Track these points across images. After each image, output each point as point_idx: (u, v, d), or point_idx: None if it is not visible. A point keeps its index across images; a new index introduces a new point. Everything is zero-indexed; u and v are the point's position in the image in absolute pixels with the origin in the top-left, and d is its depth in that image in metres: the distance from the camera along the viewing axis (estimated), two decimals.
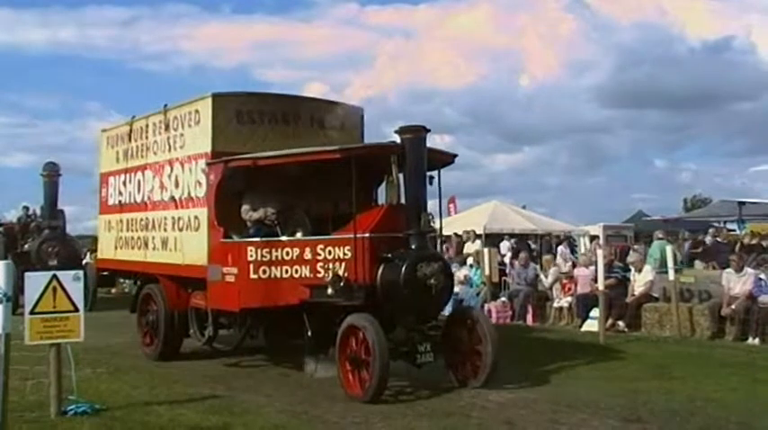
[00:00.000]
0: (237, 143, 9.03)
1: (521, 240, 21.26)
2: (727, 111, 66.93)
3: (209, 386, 8.06)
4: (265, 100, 9.68)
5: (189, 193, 9.50)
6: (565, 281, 14.06)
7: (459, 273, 14.44)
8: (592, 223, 25.03)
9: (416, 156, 7.68)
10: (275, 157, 8.34)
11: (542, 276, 14.62)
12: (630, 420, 6.51)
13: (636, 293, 12.52)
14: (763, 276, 11.30)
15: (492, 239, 20.71)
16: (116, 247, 11.42)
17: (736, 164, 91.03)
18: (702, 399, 7.28)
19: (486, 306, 13.83)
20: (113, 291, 20.09)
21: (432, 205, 8.40)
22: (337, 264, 7.82)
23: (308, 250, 8.04)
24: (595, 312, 12.14)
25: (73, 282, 6.66)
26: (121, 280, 17.41)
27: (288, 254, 8.11)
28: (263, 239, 8.30)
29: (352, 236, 7.75)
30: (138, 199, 10.85)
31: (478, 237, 18.68)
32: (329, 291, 7.62)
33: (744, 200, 23.83)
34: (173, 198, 9.85)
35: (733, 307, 11.18)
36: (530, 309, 14.06)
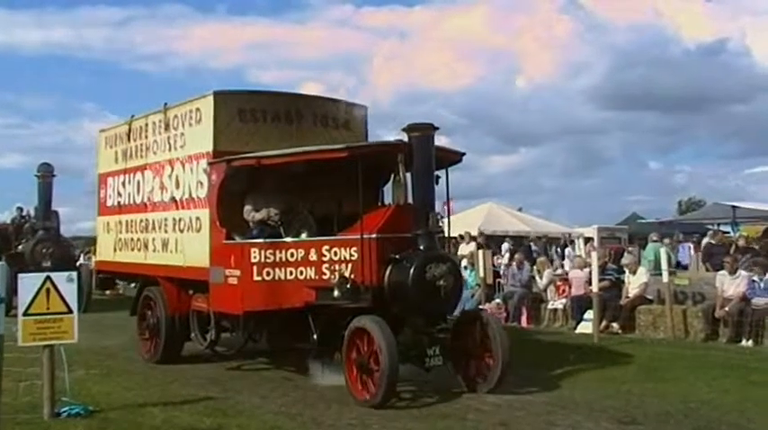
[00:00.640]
0: (239, 142, 8.84)
1: (520, 243, 21.23)
2: (722, 113, 67.38)
3: (204, 388, 8.02)
4: (268, 98, 9.48)
5: (190, 194, 9.33)
6: (559, 283, 14.10)
7: None
8: (586, 225, 25.09)
9: (424, 155, 7.52)
10: (280, 156, 8.14)
11: (537, 278, 14.64)
12: (624, 422, 6.53)
13: (630, 295, 12.54)
14: (756, 278, 11.32)
15: (494, 241, 20.72)
16: (115, 249, 11.25)
17: (731, 166, 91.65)
18: (696, 401, 7.30)
19: (480, 308, 13.83)
20: (108, 292, 19.99)
21: (437, 205, 8.16)
22: (344, 265, 7.61)
23: (313, 251, 7.82)
24: (590, 314, 12.17)
25: (66, 284, 6.63)
26: (117, 281, 17.33)
27: (292, 255, 7.90)
28: (267, 240, 8.13)
29: (358, 236, 7.55)
30: (138, 200, 10.66)
31: (473, 238, 18.68)
32: (335, 293, 7.44)
33: (736, 204, 23.96)
34: (173, 199, 9.68)
35: (727, 309, 11.18)
36: (524, 310, 14.06)
